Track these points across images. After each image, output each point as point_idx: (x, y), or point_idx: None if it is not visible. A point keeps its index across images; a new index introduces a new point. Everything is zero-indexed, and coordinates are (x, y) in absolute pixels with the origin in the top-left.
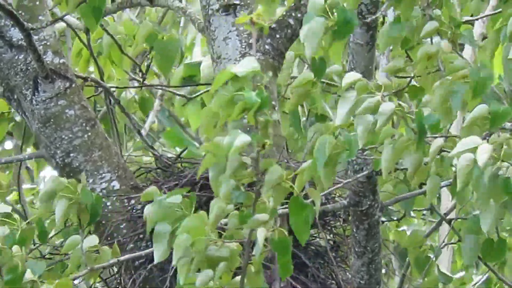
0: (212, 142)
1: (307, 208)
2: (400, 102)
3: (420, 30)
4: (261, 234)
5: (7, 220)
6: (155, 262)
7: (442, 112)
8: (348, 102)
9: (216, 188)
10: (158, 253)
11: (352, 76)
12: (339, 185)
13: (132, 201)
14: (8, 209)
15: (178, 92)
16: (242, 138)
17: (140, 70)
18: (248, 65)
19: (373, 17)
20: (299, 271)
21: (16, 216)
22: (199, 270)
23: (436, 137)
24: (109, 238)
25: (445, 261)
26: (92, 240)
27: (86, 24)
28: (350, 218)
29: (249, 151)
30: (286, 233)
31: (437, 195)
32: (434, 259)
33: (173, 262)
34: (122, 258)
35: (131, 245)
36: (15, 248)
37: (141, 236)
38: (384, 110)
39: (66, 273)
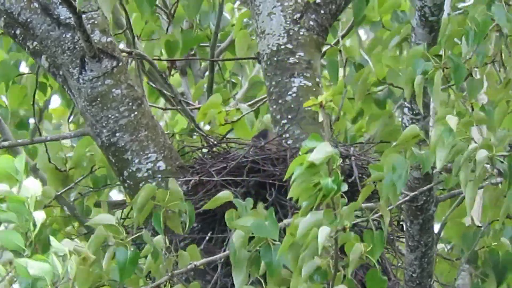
0: (292, 224)
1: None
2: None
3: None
4: None
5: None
6: None
7: None
8: (445, 147)
9: (294, 267)
10: (238, 280)
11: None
12: (406, 199)
13: (178, 183)
14: (112, 220)
15: None
16: (325, 231)
17: (168, 17)
18: (324, 151)
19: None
20: (344, 255)
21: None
22: None
23: None
24: None
25: (476, 212)
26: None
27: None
28: (404, 212)
29: None
30: None
31: None
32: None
33: None
34: (198, 262)
35: None
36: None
37: None
38: (480, 158)
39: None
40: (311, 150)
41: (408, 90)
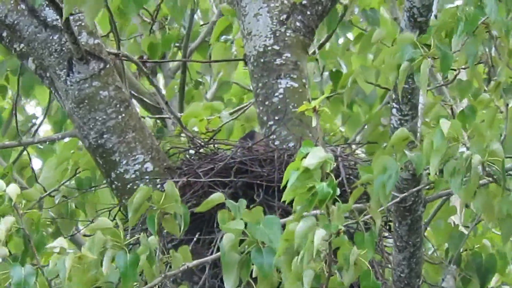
0: (286, 230)
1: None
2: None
3: None
4: None
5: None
6: None
7: None
8: (439, 155)
9: (288, 271)
10: (229, 282)
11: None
12: (396, 200)
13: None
14: (110, 224)
15: None
16: (320, 234)
17: (151, 15)
18: (317, 156)
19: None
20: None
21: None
22: None
23: None
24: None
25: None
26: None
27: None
28: (392, 213)
29: None
30: None
31: None
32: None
33: None
34: (191, 264)
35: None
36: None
37: None
38: (475, 166)
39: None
40: (305, 156)
41: (393, 76)
